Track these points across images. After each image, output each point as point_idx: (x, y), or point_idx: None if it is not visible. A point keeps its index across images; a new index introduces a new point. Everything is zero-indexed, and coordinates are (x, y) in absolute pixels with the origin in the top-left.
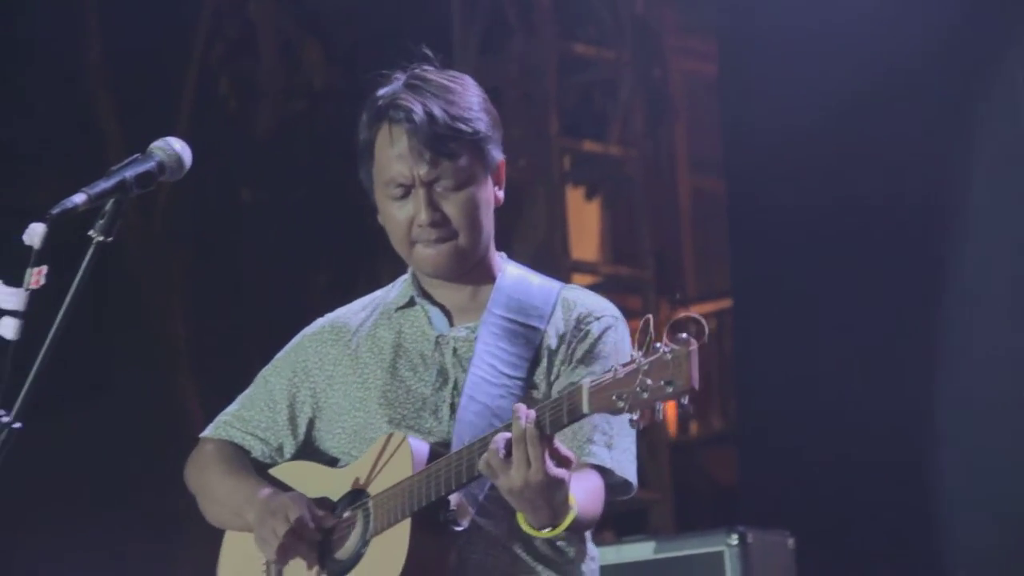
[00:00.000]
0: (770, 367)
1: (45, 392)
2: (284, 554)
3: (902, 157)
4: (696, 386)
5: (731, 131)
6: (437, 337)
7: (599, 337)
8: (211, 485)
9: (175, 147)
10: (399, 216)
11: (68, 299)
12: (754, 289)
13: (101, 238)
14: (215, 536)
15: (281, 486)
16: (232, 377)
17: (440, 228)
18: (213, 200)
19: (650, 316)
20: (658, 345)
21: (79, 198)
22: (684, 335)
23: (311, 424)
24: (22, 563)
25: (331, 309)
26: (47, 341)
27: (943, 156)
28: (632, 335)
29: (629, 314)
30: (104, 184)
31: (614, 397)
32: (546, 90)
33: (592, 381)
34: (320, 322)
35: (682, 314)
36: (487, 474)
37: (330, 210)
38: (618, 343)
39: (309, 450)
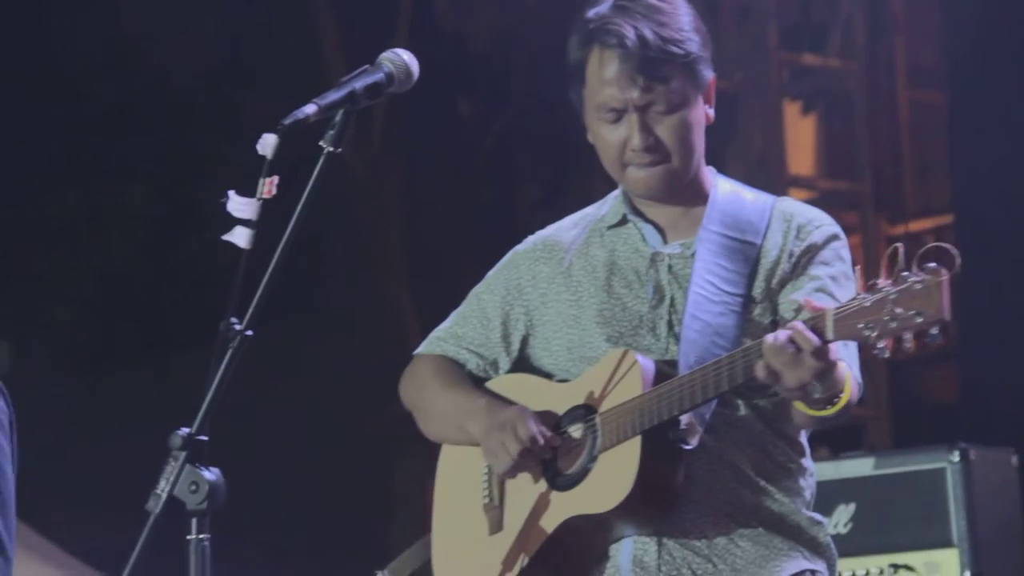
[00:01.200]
0: (991, 285)
1: (270, 309)
2: (514, 468)
3: None
4: (947, 317)
5: (954, 42)
6: (652, 254)
7: (824, 244)
8: (431, 400)
9: (403, 58)
10: (611, 139)
11: (299, 208)
12: (975, 204)
13: (331, 148)
14: (431, 448)
15: (501, 399)
16: (446, 290)
17: (653, 152)
18: (429, 116)
19: (900, 245)
20: (906, 274)
21: (310, 108)
22: (934, 264)
23: (525, 341)
24: (240, 460)
25: (543, 222)
26: (279, 250)
27: None
28: (855, 256)
29: (847, 230)
30: (334, 95)
31: (860, 325)
32: (765, 2)
33: (837, 309)
34: (532, 239)
35: (933, 244)
36: (770, 379)
37: (543, 123)
38: (841, 251)
39: (524, 366)
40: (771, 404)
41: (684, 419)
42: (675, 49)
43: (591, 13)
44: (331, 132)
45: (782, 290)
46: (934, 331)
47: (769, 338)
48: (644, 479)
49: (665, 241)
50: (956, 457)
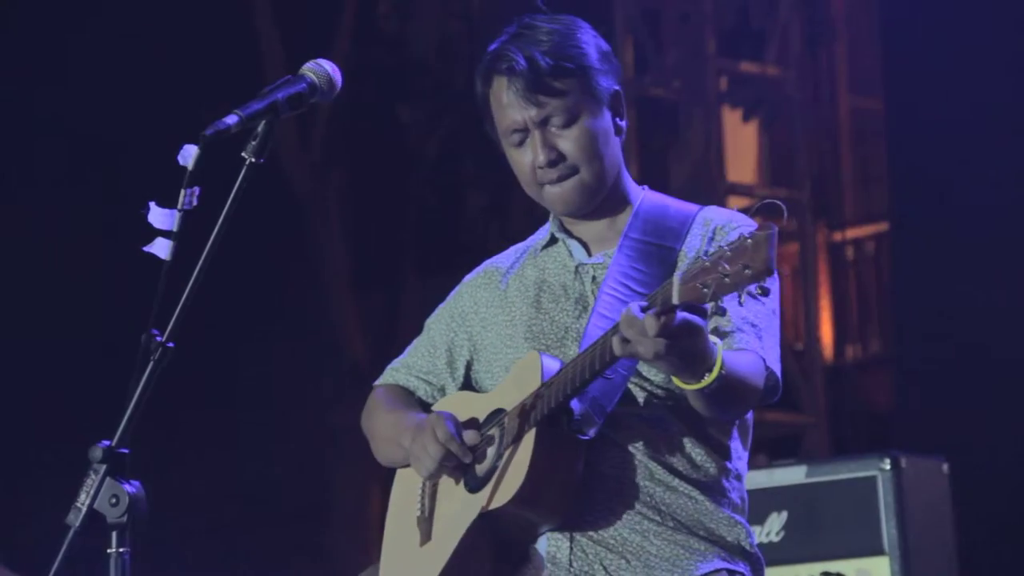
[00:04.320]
0: (928, 291)
1: (216, 315)
2: (435, 471)
3: None
4: (772, 269)
5: (892, 49)
6: (576, 267)
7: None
8: (377, 425)
9: (326, 68)
10: (522, 162)
11: (221, 220)
12: (912, 212)
13: (253, 159)
14: (369, 456)
15: None
16: (390, 297)
17: (558, 166)
18: (371, 122)
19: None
20: (745, 233)
21: (231, 119)
22: (766, 222)
23: (469, 366)
24: (178, 467)
25: (488, 228)
26: (200, 262)
27: None
28: (794, 263)
29: (785, 237)
30: (256, 105)
31: (699, 284)
32: (703, 10)
33: (683, 272)
34: (477, 269)
35: (765, 200)
36: (624, 352)
37: (486, 131)
38: None
39: (469, 390)
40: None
41: (578, 409)
42: (565, 63)
43: (491, 47)
44: (253, 143)
45: None
46: (764, 285)
47: (624, 311)
48: (537, 469)
49: (589, 254)
50: (887, 465)
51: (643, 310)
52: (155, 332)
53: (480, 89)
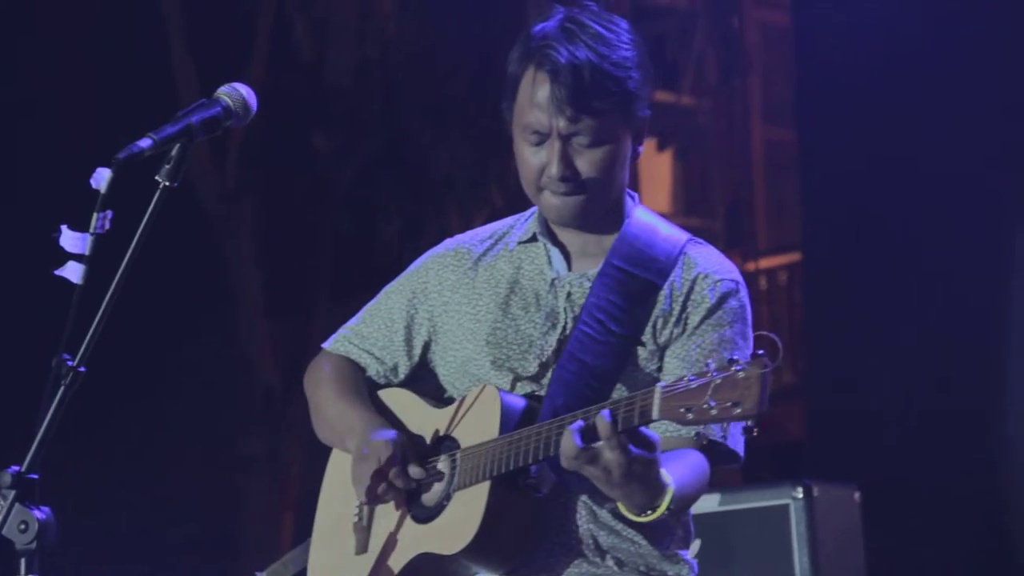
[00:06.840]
0: (839, 321)
1: (129, 339)
2: (373, 496)
3: (978, 107)
4: (763, 411)
5: (805, 80)
6: (553, 279)
7: (717, 304)
8: (323, 403)
9: (241, 92)
10: (531, 161)
11: (134, 244)
12: (825, 242)
13: (167, 183)
14: (279, 482)
15: (386, 412)
16: (304, 323)
17: (569, 182)
18: (285, 147)
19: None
20: (735, 356)
21: (145, 143)
22: (760, 352)
23: (427, 347)
24: (86, 492)
25: (402, 255)
26: (112, 286)
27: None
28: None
29: None
30: (170, 129)
31: (682, 409)
32: None
33: (665, 387)
34: (446, 243)
35: (760, 332)
36: (572, 467)
37: (401, 156)
38: (737, 310)
39: (423, 372)
40: None
41: (535, 469)
42: (611, 85)
43: (536, 29)
44: (167, 166)
45: (670, 344)
46: (749, 424)
47: (597, 420)
48: (488, 525)
49: (570, 267)
50: (800, 493)
51: (612, 414)
52: (66, 356)
53: (512, 69)
